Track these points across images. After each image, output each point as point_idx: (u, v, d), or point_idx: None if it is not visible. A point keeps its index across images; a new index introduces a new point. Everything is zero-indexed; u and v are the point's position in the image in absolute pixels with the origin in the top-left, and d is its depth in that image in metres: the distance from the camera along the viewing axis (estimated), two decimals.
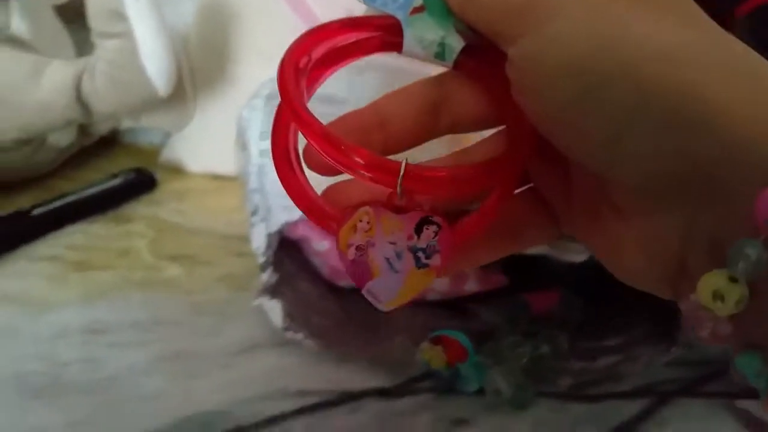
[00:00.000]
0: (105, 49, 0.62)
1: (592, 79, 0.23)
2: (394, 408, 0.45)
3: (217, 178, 0.70)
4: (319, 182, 0.30)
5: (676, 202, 0.24)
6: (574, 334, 0.48)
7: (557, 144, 0.26)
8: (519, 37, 0.25)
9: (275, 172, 0.29)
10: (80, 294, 0.55)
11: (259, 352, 0.50)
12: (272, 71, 0.52)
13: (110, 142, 0.76)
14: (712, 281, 0.21)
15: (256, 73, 0.58)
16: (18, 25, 0.64)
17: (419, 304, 0.52)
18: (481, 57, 0.29)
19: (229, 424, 0.44)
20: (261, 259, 0.49)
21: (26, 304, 0.54)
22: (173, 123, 0.72)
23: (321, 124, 0.27)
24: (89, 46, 0.65)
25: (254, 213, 0.51)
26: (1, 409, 0.45)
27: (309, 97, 0.30)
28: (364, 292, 0.28)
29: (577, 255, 0.45)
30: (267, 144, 0.31)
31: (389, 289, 0.28)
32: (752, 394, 0.22)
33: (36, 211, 0.62)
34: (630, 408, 0.45)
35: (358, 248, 0.27)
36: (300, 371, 0.48)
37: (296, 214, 0.48)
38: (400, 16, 0.29)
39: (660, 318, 0.48)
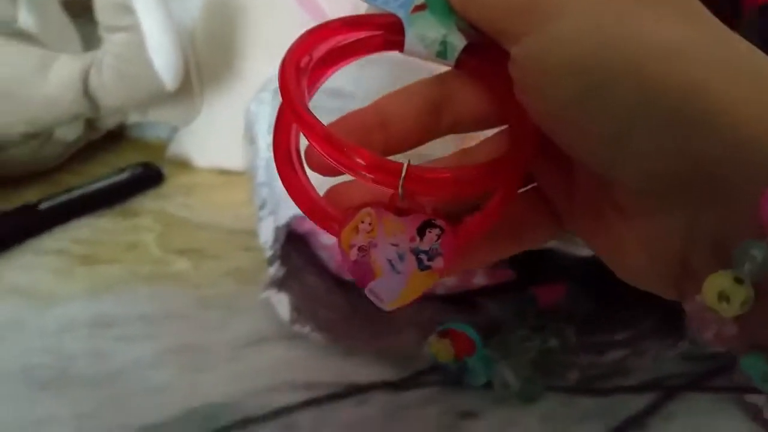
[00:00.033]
0: (112, 42, 0.62)
1: (595, 78, 0.23)
2: (401, 401, 0.45)
3: (224, 172, 0.70)
4: (321, 182, 0.30)
5: (678, 202, 0.24)
6: (581, 328, 0.48)
7: (560, 143, 0.26)
8: (522, 35, 0.25)
9: (277, 172, 0.29)
10: (87, 287, 0.55)
11: (267, 346, 0.50)
12: (278, 63, 0.52)
13: (117, 136, 0.76)
14: (717, 282, 0.21)
15: (262, 68, 0.58)
16: (25, 19, 0.64)
17: (427, 298, 0.52)
18: (483, 55, 0.29)
19: (237, 416, 0.44)
20: (268, 253, 0.49)
21: (33, 298, 0.54)
22: (180, 117, 0.72)
23: (322, 124, 0.27)
24: (96, 41, 0.65)
25: (262, 207, 0.51)
26: (9, 401, 0.45)
27: (310, 97, 0.29)
28: (366, 291, 0.28)
29: (584, 248, 0.44)
30: None
31: (392, 289, 0.27)
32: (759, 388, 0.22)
33: (43, 205, 0.62)
34: (637, 402, 0.45)
35: (360, 249, 0.27)
36: (307, 364, 0.48)
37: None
38: (401, 14, 0.29)
39: (667, 312, 0.48)
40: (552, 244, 0.45)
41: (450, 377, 0.46)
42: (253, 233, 0.55)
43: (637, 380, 0.47)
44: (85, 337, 0.50)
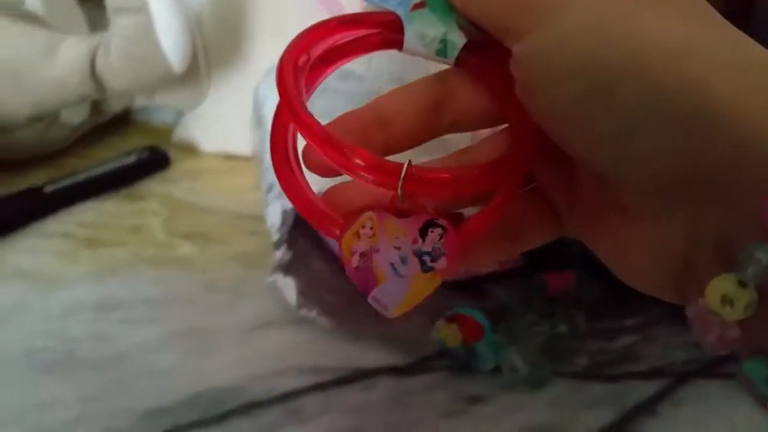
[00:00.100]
0: (120, 24, 0.61)
1: (599, 77, 0.23)
2: (408, 386, 0.45)
3: (230, 157, 0.70)
4: (318, 181, 0.29)
5: (681, 203, 0.23)
6: (591, 314, 0.48)
7: (562, 143, 0.26)
8: (525, 33, 0.25)
9: (274, 173, 0.28)
10: (92, 271, 0.55)
11: (273, 330, 0.49)
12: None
13: (123, 120, 0.75)
14: (721, 286, 0.21)
15: (270, 52, 0.57)
16: (32, 0, 0.64)
17: None
18: (483, 53, 0.29)
19: (242, 400, 0.43)
20: (275, 237, 0.49)
21: (37, 281, 0.54)
22: (187, 101, 0.71)
23: (320, 125, 0.26)
24: (102, 23, 0.65)
25: (269, 190, 0.51)
26: (13, 384, 0.45)
27: (309, 96, 0.29)
28: (369, 299, 0.27)
29: None
30: None
31: (395, 295, 0.27)
32: None
33: (48, 188, 0.61)
34: (647, 388, 0.45)
35: (362, 255, 0.27)
36: (313, 348, 0.47)
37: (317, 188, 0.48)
38: (400, 12, 0.29)
39: None
40: None
41: (457, 362, 0.46)
42: (259, 218, 0.55)
43: (647, 366, 0.46)
44: (90, 320, 0.50)
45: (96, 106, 0.70)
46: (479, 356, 0.45)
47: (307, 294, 0.48)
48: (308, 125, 0.26)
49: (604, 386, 0.45)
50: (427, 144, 0.30)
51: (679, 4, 0.24)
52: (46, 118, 0.66)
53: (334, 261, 0.52)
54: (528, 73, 0.25)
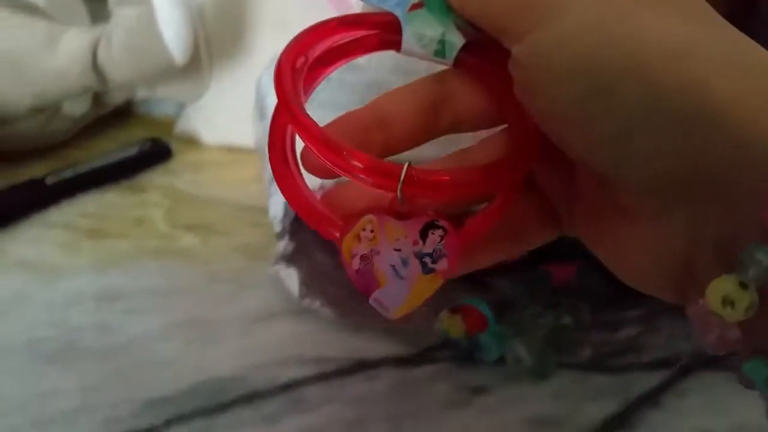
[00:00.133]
0: (122, 16, 0.61)
1: (600, 77, 0.23)
2: (411, 376, 0.45)
3: (232, 150, 0.70)
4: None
5: (682, 203, 0.23)
6: (594, 306, 0.47)
7: (561, 143, 0.26)
8: (525, 33, 0.25)
9: (272, 174, 0.28)
10: (94, 261, 0.55)
11: (275, 320, 0.49)
12: (289, 38, 0.52)
13: (125, 112, 0.75)
14: (721, 287, 0.21)
15: (272, 44, 0.57)
16: None
17: None
18: (481, 54, 0.29)
19: (244, 389, 0.43)
20: (278, 228, 0.49)
21: (39, 271, 0.54)
22: (188, 93, 0.71)
23: (319, 127, 0.26)
24: (104, 15, 0.65)
25: (272, 182, 0.50)
26: (14, 374, 0.45)
27: (307, 98, 0.29)
28: (371, 301, 0.27)
29: None
30: None
31: (396, 296, 0.27)
32: None
33: (50, 180, 0.61)
34: (650, 379, 0.45)
35: (362, 258, 0.27)
36: (316, 339, 0.47)
37: (315, 182, 0.47)
38: (398, 12, 0.28)
39: None
40: None
41: (461, 353, 0.46)
42: (261, 210, 0.54)
43: (651, 357, 0.46)
44: (92, 310, 0.50)
45: (98, 98, 0.70)
46: (483, 347, 0.45)
47: (309, 284, 0.48)
48: (306, 127, 0.26)
49: (607, 377, 0.45)
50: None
51: (679, 5, 0.24)
52: (48, 109, 0.66)
53: (337, 253, 0.52)
54: (527, 74, 0.25)
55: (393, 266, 0.27)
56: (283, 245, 0.49)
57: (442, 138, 0.30)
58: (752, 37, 0.24)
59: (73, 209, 0.61)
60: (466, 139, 0.31)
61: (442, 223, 0.27)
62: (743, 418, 0.41)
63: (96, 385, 0.44)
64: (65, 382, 0.44)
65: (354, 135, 0.28)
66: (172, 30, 0.61)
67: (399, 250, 0.27)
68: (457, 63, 0.29)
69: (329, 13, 0.52)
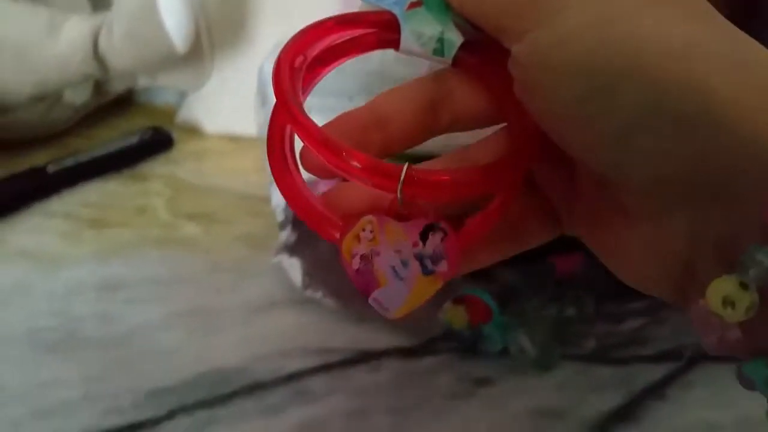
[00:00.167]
0: (123, 3, 0.61)
1: (600, 77, 0.23)
2: (415, 367, 0.45)
3: (234, 139, 0.69)
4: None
5: (683, 204, 0.23)
6: (599, 297, 0.47)
7: (562, 143, 0.25)
8: (525, 32, 0.25)
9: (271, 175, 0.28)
10: (95, 251, 0.54)
11: (278, 310, 0.49)
12: (291, 29, 0.51)
13: (126, 101, 0.75)
14: (722, 287, 0.21)
15: (274, 31, 0.56)
16: None
17: None
18: (480, 53, 0.28)
19: (247, 380, 0.43)
20: (280, 217, 0.49)
21: (40, 261, 0.53)
22: (190, 82, 0.71)
23: (318, 127, 0.26)
24: (105, 3, 0.64)
25: None
26: (15, 364, 0.45)
27: (305, 97, 0.29)
28: (370, 301, 0.27)
29: None
30: None
31: (396, 297, 0.27)
32: None
33: (51, 168, 0.61)
34: (655, 371, 0.44)
35: (362, 258, 0.26)
36: (319, 329, 0.47)
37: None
38: (396, 11, 0.28)
39: None
40: None
41: (464, 344, 0.46)
42: (263, 199, 0.54)
43: (655, 349, 0.46)
44: (93, 300, 0.50)
45: (99, 87, 0.70)
46: (487, 338, 0.44)
47: (312, 275, 0.48)
48: (305, 128, 0.26)
49: (612, 369, 0.45)
50: None
51: (680, 4, 0.24)
52: (49, 98, 0.65)
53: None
54: (527, 73, 0.25)
55: (393, 267, 0.26)
56: (286, 235, 0.48)
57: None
58: (754, 36, 0.24)
59: (74, 198, 0.60)
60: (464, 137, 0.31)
61: (442, 225, 0.26)
62: (748, 411, 0.41)
63: (97, 375, 0.44)
64: (66, 372, 0.44)
65: (353, 134, 0.28)
66: (174, 18, 0.61)
67: (399, 251, 0.26)
68: (456, 62, 0.29)
69: (331, 1, 0.52)
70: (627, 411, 0.42)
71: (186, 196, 0.62)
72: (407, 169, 0.25)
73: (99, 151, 0.64)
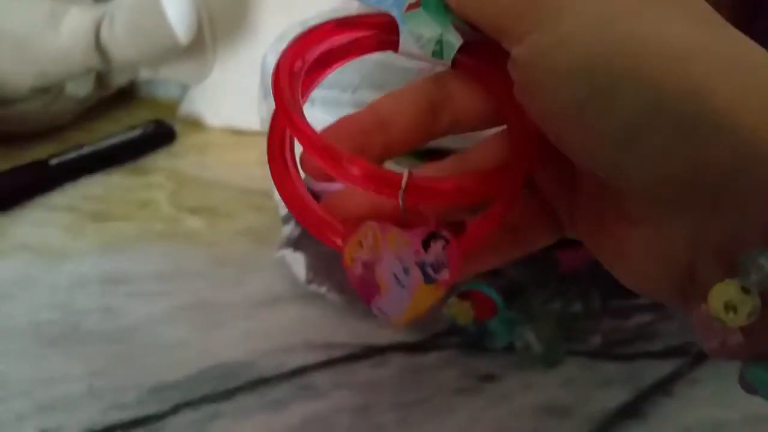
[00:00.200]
0: None
1: (601, 78, 0.22)
2: (419, 363, 0.45)
3: (236, 132, 0.69)
4: None
5: (685, 207, 0.23)
6: (605, 292, 0.47)
7: (562, 146, 0.25)
8: (525, 34, 0.24)
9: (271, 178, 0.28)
10: (98, 244, 0.54)
11: (281, 305, 0.49)
12: (295, 20, 0.51)
13: (128, 94, 0.75)
14: (723, 292, 0.20)
15: (277, 24, 0.56)
16: None
17: None
18: (480, 54, 0.28)
19: (252, 375, 0.43)
20: (283, 211, 0.49)
21: (43, 254, 0.53)
22: (192, 75, 0.70)
23: (318, 134, 0.26)
24: None
25: None
26: (19, 357, 0.44)
27: (305, 101, 0.29)
28: (372, 308, 0.27)
29: None
30: None
31: (397, 304, 0.27)
32: None
33: (53, 161, 0.61)
34: (662, 367, 0.44)
35: (364, 264, 0.26)
36: (323, 324, 0.47)
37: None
38: (395, 13, 0.28)
39: None
40: None
41: (469, 340, 0.45)
42: (265, 193, 0.54)
43: (663, 345, 0.46)
44: (97, 293, 0.49)
45: (101, 79, 0.69)
46: (492, 333, 0.44)
47: (316, 269, 0.47)
48: (305, 134, 0.26)
49: (618, 365, 0.45)
50: None
51: (681, 6, 0.24)
52: (51, 90, 0.65)
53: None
54: (527, 75, 0.25)
55: (395, 274, 0.26)
56: (290, 229, 0.48)
57: None
58: (758, 37, 0.24)
59: (76, 192, 0.60)
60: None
61: (444, 233, 0.26)
62: (755, 409, 0.41)
63: (101, 370, 0.43)
64: (70, 367, 0.44)
65: (354, 138, 0.28)
66: (176, 8, 0.60)
67: (401, 258, 0.26)
68: (455, 64, 0.29)
69: None
70: (633, 407, 0.42)
71: (188, 189, 0.61)
72: (408, 176, 0.25)
73: (101, 144, 0.63)
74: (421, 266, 0.26)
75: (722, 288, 0.20)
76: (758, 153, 0.20)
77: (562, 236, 0.30)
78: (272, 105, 0.50)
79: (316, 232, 0.27)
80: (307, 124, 0.26)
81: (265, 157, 0.29)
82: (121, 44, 0.62)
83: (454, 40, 0.28)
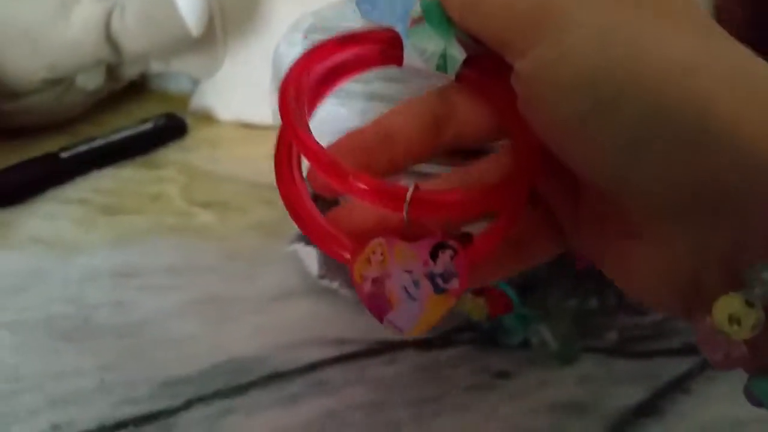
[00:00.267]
0: None
1: (604, 92, 0.23)
2: (433, 359, 0.44)
3: (247, 126, 0.69)
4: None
5: (689, 220, 0.23)
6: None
7: (566, 159, 0.25)
8: (528, 48, 0.25)
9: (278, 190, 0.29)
10: (110, 238, 0.54)
11: (293, 299, 0.48)
12: (307, 9, 0.50)
13: (139, 88, 0.75)
14: (727, 305, 0.21)
15: (288, 17, 0.56)
16: None
17: None
18: (483, 68, 0.29)
19: (265, 370, 0.43)
20: None
21: (55, 247, 0.53)
22: (203, 68, 0.70)
23: (324, 150, 0.27)
24: None
25: None
26: (31, 351, 0.44)
27: (311, 117, 0.29)
28: (384, 323, 0.27)
29: None
30: None
31: (410, 318, 0.27)
32: None
33: (64, 154, 0.61)
34: (679, 365, 0.44)
35: (374, 281, 0.27)
36: (336, 319, 0.47)
37: None
38: (399, 28, 0.29)
39: None
40: None
41: (483, 336, 0.45)
42: (276, 187, 0.54)
43: (680, 342, 0.45)
44: (108, 287, 0.49)
45: (111, 72, 0.69)
46: (506, 330, 0.44)
47: (329, 264, 0.47)
48: (312, 151, 0.26)
49: (635, 362, 0.44)
50: None
51: (684, 19, 0.24)
52: (61, 83, 0.65)
53: None
54: (531, 89, 0.25)
55: (405, 288, 0.27)
56: None
57: None
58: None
59: (88, 185, 0.60)
60: None
61: (451, 243, 0.27)
62: None
63: (113, 364, 0.43)
64: (82, 360, 0.43)
65: (359, 153, 0.28)
66: (187, 0, 0.60)
67: (410, 271, 0.27)
68: (459, 77, 0.29)
69: None
70: (650, 405, 0.41)
71: (200, 183, 0.61)
72: (413, 190, 0.26)
73: (113, 137, 0.63)
74: (431, 277, 0.27)
75: (726, 301, 0.21)
76: (760, 164, 0.21)
77: (566, 248, 0.31)
78: None
79: (324, 246, 0.28)
80: (314, 141, 0.27)
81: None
82: (132, 35, 0.61)
83: (458, 54, 0.28)
